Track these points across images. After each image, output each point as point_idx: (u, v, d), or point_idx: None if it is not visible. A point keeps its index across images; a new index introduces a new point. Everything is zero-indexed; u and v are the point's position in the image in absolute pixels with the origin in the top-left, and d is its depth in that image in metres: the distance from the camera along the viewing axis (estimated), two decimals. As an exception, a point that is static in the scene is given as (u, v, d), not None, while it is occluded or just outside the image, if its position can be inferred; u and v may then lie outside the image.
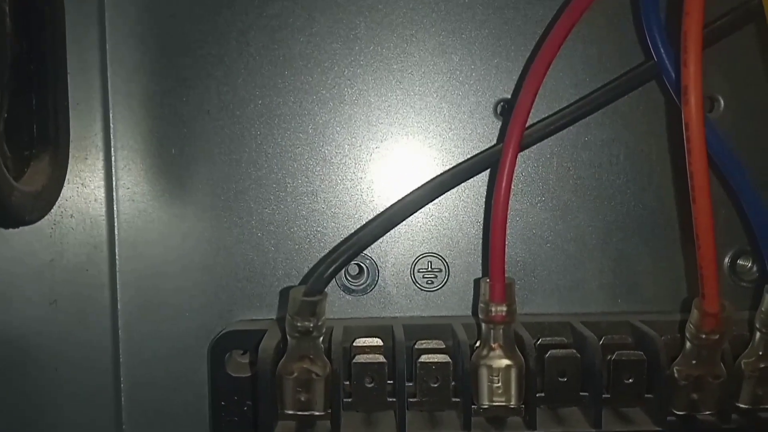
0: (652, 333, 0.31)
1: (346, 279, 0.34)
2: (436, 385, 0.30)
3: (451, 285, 0.35)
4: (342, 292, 0.34)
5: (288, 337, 0.29)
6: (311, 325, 0.28)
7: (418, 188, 0.31)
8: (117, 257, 0.34)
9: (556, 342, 0.31)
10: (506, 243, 0.29)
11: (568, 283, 0.35)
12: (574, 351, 0.30)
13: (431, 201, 0.31)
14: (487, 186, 0.34)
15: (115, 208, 0.34)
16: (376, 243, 0.33)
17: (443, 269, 0.35)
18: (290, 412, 0.29)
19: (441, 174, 0.32)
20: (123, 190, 0.34)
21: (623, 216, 0.35)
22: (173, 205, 0.34)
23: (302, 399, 0.29)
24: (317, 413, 0.29)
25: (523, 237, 0.35)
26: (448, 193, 0.33)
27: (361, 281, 0.34)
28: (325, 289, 0.29)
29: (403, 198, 0.31)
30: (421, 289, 0.35)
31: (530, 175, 0.34)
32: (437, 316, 0.34)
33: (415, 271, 0.34)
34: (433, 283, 0.35)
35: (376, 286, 0.34)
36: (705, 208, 0.26)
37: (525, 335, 0.30)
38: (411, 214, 0.31)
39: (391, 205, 0.32)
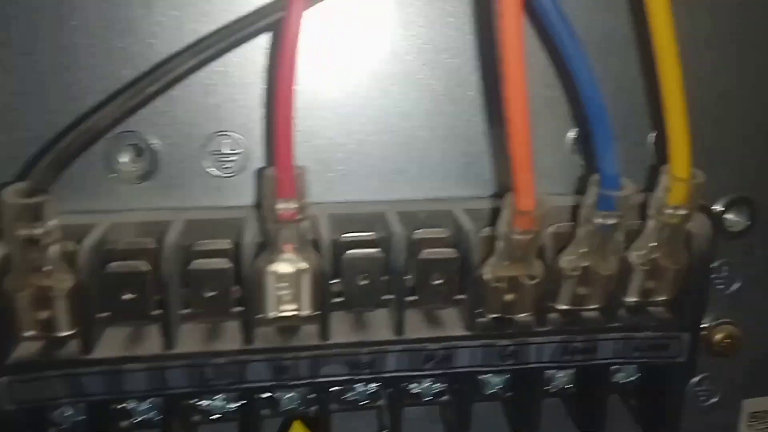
0: (468, 227, 0.26)
1: (117, 163, 0.28)
2: (212, 295, 0.25)
3: (250, 170, 0.29)
4: (112, 180, 0.28)
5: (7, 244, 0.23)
6: (39, 232, 0.22)
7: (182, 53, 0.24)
8: None
9: (360, 239, 0.27)
10: (296, 114, 0.23)
11: (390, 165, 0.30)
12: (379, 250, 0.26)
13: (203, 66, 0.25)
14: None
15: None
16: (158, 118, 0.27)
17: (241, 150, 0.29)
18: (29, 333, 0.24)
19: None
20: None
21: (454, 87, 0.29)
22: None
23: (43, 318, 0.24)
24: (63, 334, 0.24)
25: (333, 107, 0.29)
26: (241, 51, 0.27)
27: (138, 166, 0.28)
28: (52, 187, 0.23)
29: (158, 67, 0.24)
30: (214, 175, 0.29)
31: (342, 36, 0.28)
32: (231, 207, 0.29)
33: (206, 153, 0.28)
34: (229, 167, 0.29)
35: (158, 172, 0.28)
36: (518, 89, 0.21)
37: (323, 232, 0.26)
38: (173, 84, 0.24)
39: (142, 76, 0.25)
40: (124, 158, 0.28)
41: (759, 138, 0.32)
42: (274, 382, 0.25)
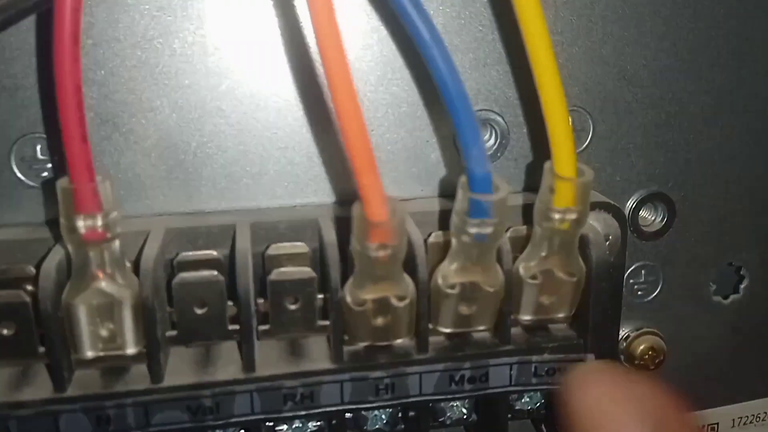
0: (330, 238, 0.22)
1: None
2: (11, 333, 0.21)
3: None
4: None
5: None
6: None
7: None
8: None
9: (199, 258, 0.23)
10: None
11: (247, 167, 0.26)
12: (215, 273, 0.22)
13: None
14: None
15: None
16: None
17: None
18: None
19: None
20: None
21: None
22: None
23: None
24: None
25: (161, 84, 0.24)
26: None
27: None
28: None
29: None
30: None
31: None
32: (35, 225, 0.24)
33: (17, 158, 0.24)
34: (40, 174, 0.24)
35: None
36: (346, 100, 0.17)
37: (150, 252, 0.21)
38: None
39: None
40: None
41: (669, 126, 0.28)
42: (94, 437, 0.21)
